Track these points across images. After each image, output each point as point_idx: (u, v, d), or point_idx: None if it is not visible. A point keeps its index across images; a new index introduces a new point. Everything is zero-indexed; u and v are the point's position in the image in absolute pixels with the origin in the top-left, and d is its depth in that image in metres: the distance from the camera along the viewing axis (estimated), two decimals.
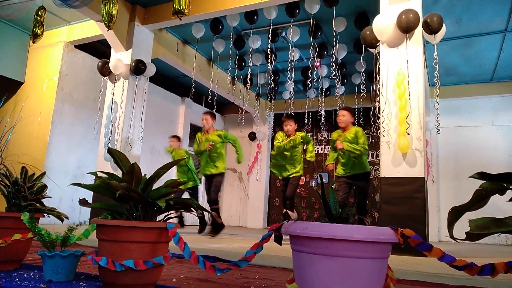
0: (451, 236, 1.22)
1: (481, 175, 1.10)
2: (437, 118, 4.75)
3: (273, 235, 1.41)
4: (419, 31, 4.47)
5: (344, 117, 5.42)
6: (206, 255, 2.39)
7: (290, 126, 5.66)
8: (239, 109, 8.62)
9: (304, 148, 5.96)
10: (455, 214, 1.23)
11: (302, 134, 5.71)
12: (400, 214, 4.11)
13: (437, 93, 4.68)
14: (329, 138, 10.51)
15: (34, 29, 4.69)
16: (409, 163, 4.24)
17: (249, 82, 7.72)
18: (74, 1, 4.06)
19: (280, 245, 1.42)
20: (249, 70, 7.27)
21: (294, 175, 5.69)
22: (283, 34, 7.12)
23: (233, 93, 9.21)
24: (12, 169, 2.32)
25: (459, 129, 8.94)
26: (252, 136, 11.00)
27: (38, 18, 4.69)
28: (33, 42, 4.11)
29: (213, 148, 5.85)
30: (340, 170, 5.55)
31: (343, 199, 5.30)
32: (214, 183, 5.93)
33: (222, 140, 6.04)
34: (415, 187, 4.14)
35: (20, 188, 2.12)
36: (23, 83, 7.47)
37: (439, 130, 4.84)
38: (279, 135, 5.73)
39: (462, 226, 1.30)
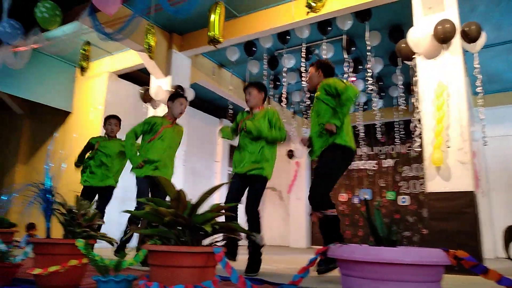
0: (509, 256, 1.18)
1: None
2: (483, 128, 4.56)
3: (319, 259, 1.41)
4: (457, 40, 4.36)
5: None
6: (251, 278, 2.40)
7: (249, 95, 3.73)
8: None
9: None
10: (511, 232, 1.19)
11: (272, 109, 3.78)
12: (450, 231, 3.94)
13: (481, 103, 4.51)
14: (368, 153, 10.32)
15: (80, 63, 5.00)
16: (456, 177, 4.08)
17: (284, 100, 7.78)
18: (116, 34, 4.31)
19: (327, 270, 1.42)
20: (284, 89, 7.33)
21: (254, 172, 3.56)
22: (316, 51, 7.16)
23: None
24: (68, 197, 2.47)
25: (507, 138, 8.51)
26: (290, 154, 10.98)
27: (84, 52, 4.99)
28: (82, 75, 4.38)
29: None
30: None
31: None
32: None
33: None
34: (465, 202, 3.96)
35: (75, 216, 2.24)
36: (71, 112, 7.92)
37: (486, 141, 4.64)
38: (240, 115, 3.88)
39: None
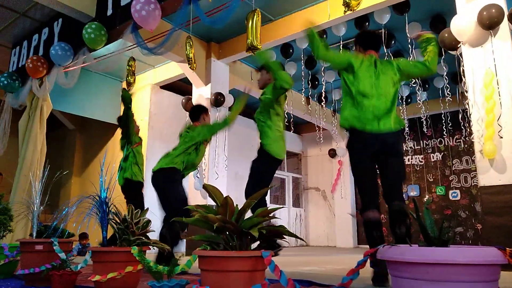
0: None
1: None
2: None
3: (369, 260, 1.40)
4: (505, 25, 4.13)
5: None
6: (300, 280, 2.41)
7: (258, 79, 4.12)
8: (317, 127, 8.61)
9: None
10: None
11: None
12: (507, 226, 3.73)
13: None
14: (414, 148, 9.98)
15: (127, 78, 5.24)
16: (510, 169, 3.86)
17: (324, 100, 7.70)
18: (158, 48, 4.48)
19: (377, 270, 1.41)
20: (323, 88, 7.27)
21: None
22: (354, 48, 7.03)
23: (309, 112, 9.23)
24: (120, 206, 2.60)
25: None
26: (333, 153, 10.85)
27: (130, 68, 5.23)
28: (128, 91, 4.57)
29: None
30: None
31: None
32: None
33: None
34: None
35: (129, 225, 2.36)
36: (119, 125, 8.28)
37: None
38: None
39: None
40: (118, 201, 2.71)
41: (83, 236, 6.60)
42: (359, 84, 2.77)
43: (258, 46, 3.96)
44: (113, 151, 8.17)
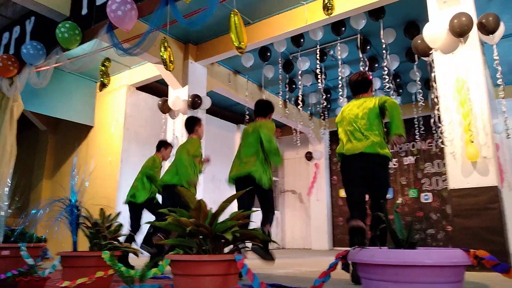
0: None
1: None
2: (506, 121, 4.45)
3: (340, 263, 1.42)
4: (474, 33, 4.28)
5: None
6: (273, 284, 2.41)
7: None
8: (294, 131, 8.66)
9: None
10: None
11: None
12: (475, 227, 3.85)
13: (502, 95, 4.41)
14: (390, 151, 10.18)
15: (102, 79, 5.15)
16: (479, 172, 3.99)
17: (301, 103, 7.77)
18: (134, 49, 4.42)
19: (348, 272, 1.42)
20: (300, 92, 7.33)
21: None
22: (331, 52, 7.13)
23: (286, 115, 9.29)
24: (92, 210, 2.54)
25: None
26: (309, 156, 10.94)
27: (104, 68, 5.14)
28: (100, 91, 4.51)
29: None
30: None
31: None
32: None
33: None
34: (489, 197, 3.87)
35: (100, 229, 2.30)
36: (92, 126, 8.13)
37: (509, 134, 4.53)
38: None
39: None
40: (90, 204, 2.65)
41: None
42: None
43: (242, 46, 3.96)
44: (86, 153, 8.00)
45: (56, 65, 5.43)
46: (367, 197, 3.22)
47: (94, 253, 2.23)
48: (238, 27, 4.03)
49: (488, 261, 1.13)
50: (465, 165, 4.08)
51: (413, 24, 6.16)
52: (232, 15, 4.04)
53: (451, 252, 1.20)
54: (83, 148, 8.11)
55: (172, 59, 4.59)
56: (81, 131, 8.14)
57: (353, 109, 3.29)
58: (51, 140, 8.86)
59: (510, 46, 6.73)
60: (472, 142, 4.02)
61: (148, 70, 7.44)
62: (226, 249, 1.86)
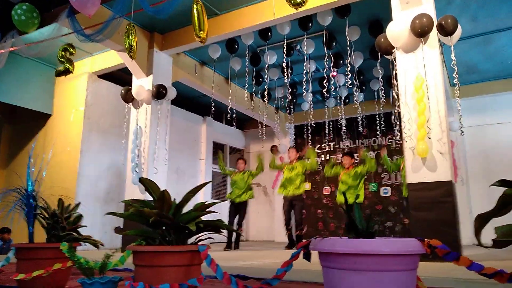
0: (479, 243, 1.23)
1: (502, 183, 1.11)
2: (460, 119, 4.68)
3: (302, 252, 1.45)
4: (434, 34, 4.46)
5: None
6: (237, 275, 2.43)
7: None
8: (259, 124, 8.71)
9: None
10: (481, 220, 1.24)
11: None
12: (431, 220, 4.05)
13: (458, 94, 4.63)
14: (351, 146, 10.46)
15: (67, 66, 4.94)
16: (434, 167, 4.19)
17: (267, 96, 7.81)
18: (96, 35, 4.27)
19: (310, 261, 1.46)
20: (267, 85, 7.37)
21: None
22: (298, 47, 7.20)
23: (252, 108, 9.31)
24: (50, 200, 2.45)
25: (486, 128, 8.73)
26: (274, 149, 11.02)
27: (68, 55, 4.94)
28: (65, 76, 4.33)
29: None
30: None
31: None
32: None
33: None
34: (443, 191, 4.07)
35: (59, 220, 2.23)
36: (51, 115, 7.79)
37: (463, 131, 4.77)
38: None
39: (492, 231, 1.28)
40: (48, 194, 2.55)
41: (4, 230, 6.15)
42: None
43: (202, 35, 3.92)
44: (43, 142, 7.68)
45: (12, 49, 5.17)
46: None
47: (52, 245, 2.15)
48: (200, 15, 3.98)
49: (440, 249, 1.20)
50: (422, 160, 4.26)
51: (377, 23, 6.33)
52: (194, 4, 3.99)
53: (407, 241, 1.25)
54: (41, 137, 7.78)
55: (135, 47, 4.48)
56: (39, 119, 7.79)
57: None
58: (6, 129, 8.42)
59: (466, 48, 7.06)
60: (430, 138, 4.20)
61: (111, 58, 7.21)
62: (191, 240, 1.85)
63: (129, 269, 2.80)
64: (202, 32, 3.98)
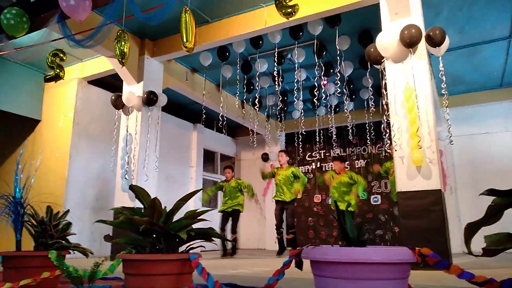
0: (469, 251, 1.24)
1: (490, 192, 1.13)
2: (449, 128, 4.75)
3: (294, 261, 1.45)
4: (422, 45, 4.53)
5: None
6: (228, 283, 2.41)
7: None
8: (250, 131, 8.72)
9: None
10: (471, 229, 1.26)
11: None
12: (420, 228, 4.08)
13: (446, 104, 4.70)
14: (341, 154, 10.52)
15: (57, 71, 4.89)
16: (424, 176, 4.23)
17: (258, 104, 7.84)
18: (87, 41, 4.25)
19: (301, 270, 1.46)
20: (258, 93, 7.39)
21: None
22: (289, 56, 7.25)
23: (243, 116, 9.33)
24: (38, 207, 2.42)
25: (473, 137, 8.86)
26: (265, 157, 11.05)
27: (58, 60, 4.90)
28: (55, 82, 4.28)
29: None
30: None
31: None
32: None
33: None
34: (433, 200, 4.11)
35: (47, 227, 2.20)
36: (40, 120, 7.71)
37: (452, 141, 4.84)
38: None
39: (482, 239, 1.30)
40: (36, 201, 2.51)
41: None
42: None
43: (188, 45, 3.91)
44: (32, 148, 7.58)
45: (1, 53, 5.11)
46: None
47: (40, 253, 2.12)
48: (188, 25, 3.99)
49: (431, 258, 1.21)
50: (411, 169, 4.30)
51: (367, 33, 6.42)
52: (183, 13, 4.00)
53: (397, 249, 1.26)
54: (30, 143, 7.67)
55: (127, 54, 4.46)
56: (27, 124, 7.69)
57: None
58: None
59: (453, 59, 7.18)
60: (420, 147, 4.25)
61: (101, 64, 7.17)
62: (182, 248, 1.84)
63: (119, 277, 2.76)
64: (189, 42, 3.98)
